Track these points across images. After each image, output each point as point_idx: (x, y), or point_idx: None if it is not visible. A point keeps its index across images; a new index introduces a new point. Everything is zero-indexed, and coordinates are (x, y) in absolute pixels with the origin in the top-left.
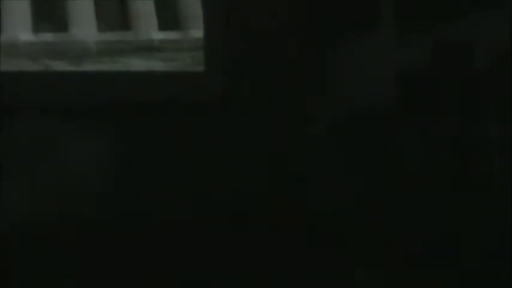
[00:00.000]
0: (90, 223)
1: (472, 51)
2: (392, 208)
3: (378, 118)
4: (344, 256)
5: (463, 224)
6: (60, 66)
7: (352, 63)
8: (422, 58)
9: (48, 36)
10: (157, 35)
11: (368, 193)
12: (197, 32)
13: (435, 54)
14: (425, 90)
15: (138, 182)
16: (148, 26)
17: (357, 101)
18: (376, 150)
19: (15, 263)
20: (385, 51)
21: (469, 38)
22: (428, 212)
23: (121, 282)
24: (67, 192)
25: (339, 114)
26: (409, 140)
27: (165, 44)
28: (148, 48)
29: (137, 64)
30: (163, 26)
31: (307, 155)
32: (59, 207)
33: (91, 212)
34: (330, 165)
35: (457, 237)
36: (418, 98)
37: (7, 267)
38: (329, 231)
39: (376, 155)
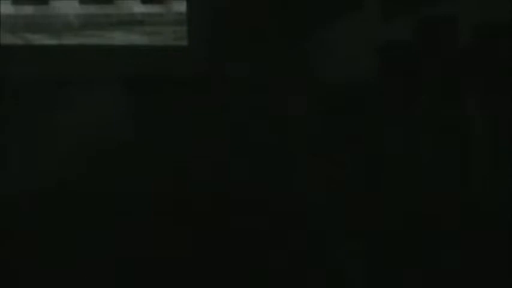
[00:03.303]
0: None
1: (457, 28)
2: (375, 190)
3: (360, 96)
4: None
5: (445, 210)
6: (40, 39)
7: (334, 40)
8: (405, 34)
9: (27, 9)
10: (140, 9)
11: (351, 175)
12: (180, 6)
13: (418, 30)
14: (407, 67)
15: (118, 157)
16: None
17: (338, 79)
18: (358, 129)
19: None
20: (367, 27)
21: (454, 14)
22: (410, 196)
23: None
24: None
25: (321, 92)
26: (391, 119)
27: (148, 17)
28: (130, 22)
29: (119, 38)
30: None
31: (290, 132)
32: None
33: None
34: (313, 145)
35: (440, 226)
36: (401, 75)
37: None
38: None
39: (358, 134)
